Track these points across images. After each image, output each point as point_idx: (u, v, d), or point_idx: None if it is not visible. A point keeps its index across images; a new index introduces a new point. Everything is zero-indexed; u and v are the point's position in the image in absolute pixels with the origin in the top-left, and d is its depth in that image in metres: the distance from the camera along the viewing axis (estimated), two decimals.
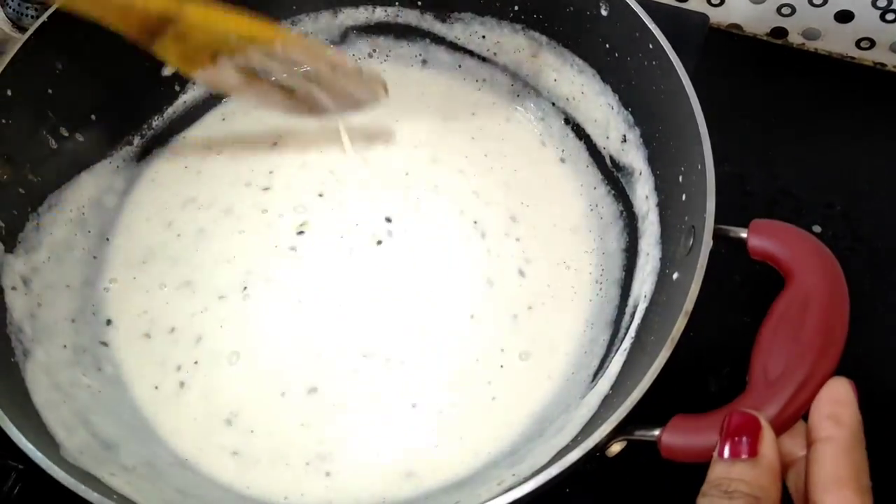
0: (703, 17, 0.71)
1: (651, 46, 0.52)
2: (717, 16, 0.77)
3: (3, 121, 0.53)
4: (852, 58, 0.76)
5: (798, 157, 0.71)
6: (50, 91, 0.56)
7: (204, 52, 0.54)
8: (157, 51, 0.53)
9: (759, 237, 0.44)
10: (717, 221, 0.45)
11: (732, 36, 0.78)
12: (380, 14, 0.67)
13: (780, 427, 0.39)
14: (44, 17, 0.54)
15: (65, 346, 0.54)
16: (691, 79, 0.49)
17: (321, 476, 0.52)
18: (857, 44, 0.75)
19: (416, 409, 0.54)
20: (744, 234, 0.45)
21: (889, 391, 0.59)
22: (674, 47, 0.51)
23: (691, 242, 0.46)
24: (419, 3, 0.66)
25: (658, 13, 0.52)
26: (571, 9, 0.59)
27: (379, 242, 0.60)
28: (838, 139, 0.72)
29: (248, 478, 0.52)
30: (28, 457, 0.42)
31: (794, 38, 0.77)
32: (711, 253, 0.44)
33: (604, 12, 0.56)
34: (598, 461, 0.44)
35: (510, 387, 0.54)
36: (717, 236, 0.44)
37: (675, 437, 0.40)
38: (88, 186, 0.61)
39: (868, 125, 0.73)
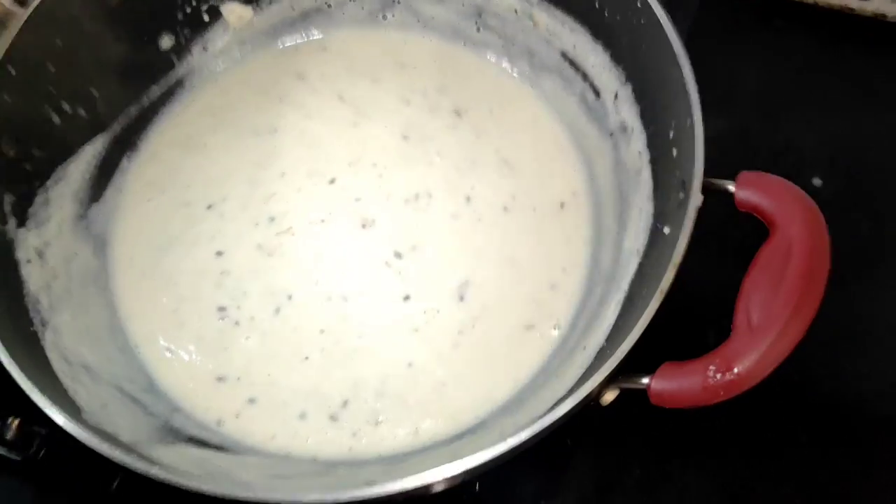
0: None
1: (639, 5, 0.52)
2: None
3: (8, 98, 0.54)
4: (852, 9, 0.75)
5: (800, 111, 0.70)
6: (52, 69, 0.57)
7: None
8: None
9: (745, 189, 0.45)
10: (721, 176, 0.45)
11: None
12: None
13: (762, 370, 0.40)
14: None
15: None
16: (689, 34, 0.49)
17: (328, 421, 0.54)
18: None
19: (416, 366, 0.55)
20: (731, 187, 0.45)
21: (890, 347, 0.60)
22: (669, 2, 0.51)
23: (682, 196, 0.47)
24: None
25: None
26: None
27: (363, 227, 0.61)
28: (839, 92, 0.71)
29: (251, 431, 0.54)
30: (51, 421, 0.43)
31: None
32: (713, 212, 0.44)
33: None
34: (598, 413, 0.45)
35: (511, 343, 0.56)
36: (707, 189, 0.45)
37: (663, 383, 0.42)
38: (92, 159, 0.61)
39: (869, 77, 0.72)
